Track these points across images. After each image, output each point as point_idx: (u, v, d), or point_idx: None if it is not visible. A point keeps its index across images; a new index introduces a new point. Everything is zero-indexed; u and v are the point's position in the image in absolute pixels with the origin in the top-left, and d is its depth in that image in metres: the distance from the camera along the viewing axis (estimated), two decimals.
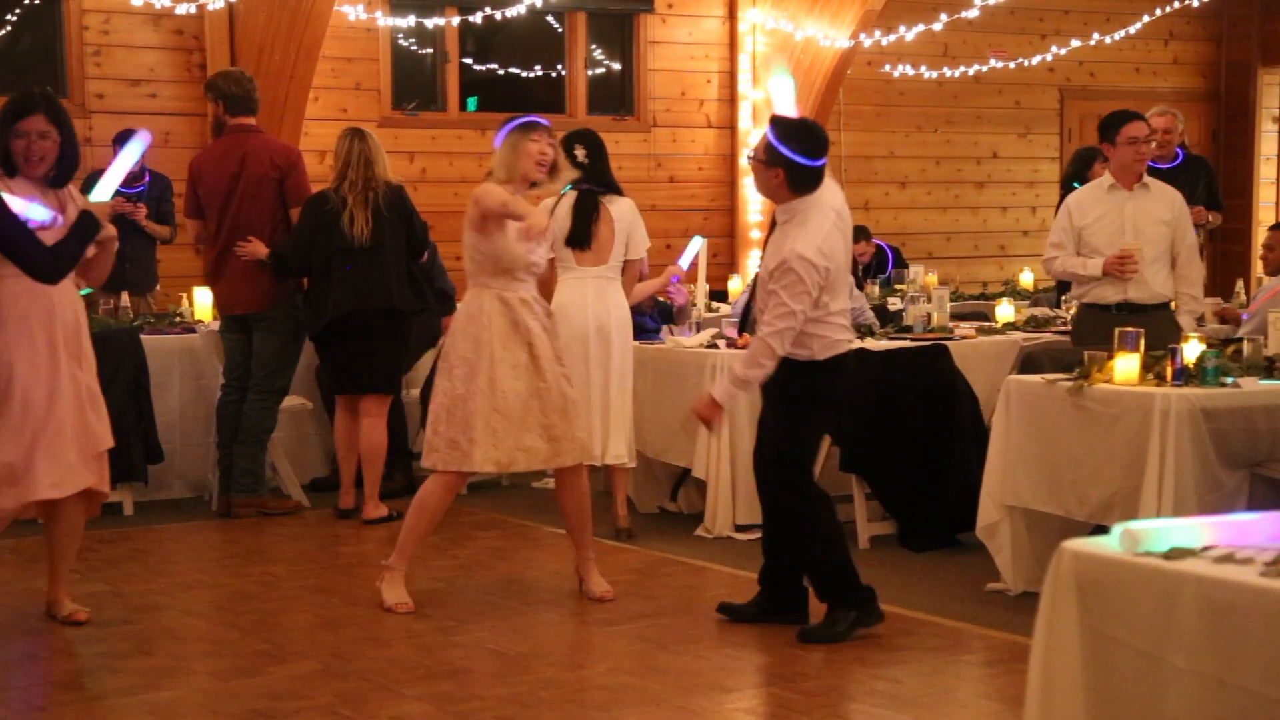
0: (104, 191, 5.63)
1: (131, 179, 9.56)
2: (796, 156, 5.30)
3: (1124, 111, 7.02)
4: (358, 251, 7.52)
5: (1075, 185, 9.52)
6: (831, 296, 5.36)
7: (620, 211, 7.10)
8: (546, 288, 7.06)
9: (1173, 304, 6.96)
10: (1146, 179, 6.91)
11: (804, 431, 5.48)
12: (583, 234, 7.03)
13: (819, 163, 5.34)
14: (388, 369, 7.69)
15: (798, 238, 5.29)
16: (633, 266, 7.26)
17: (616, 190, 7.16)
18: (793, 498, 5.45)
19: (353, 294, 7.55)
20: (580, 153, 6.99)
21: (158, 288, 9.85)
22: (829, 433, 5.73)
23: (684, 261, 8.81)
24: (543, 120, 5.91)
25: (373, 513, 7.62)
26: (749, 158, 5.54)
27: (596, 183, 7.06)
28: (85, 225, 5.48)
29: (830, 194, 5.44)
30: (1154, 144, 7.01)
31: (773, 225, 5.53)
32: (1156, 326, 6.36)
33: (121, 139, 9.46)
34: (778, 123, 5.40)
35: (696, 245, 9.16)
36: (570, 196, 7.03)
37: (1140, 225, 6.81)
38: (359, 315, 7.56)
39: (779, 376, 5.40)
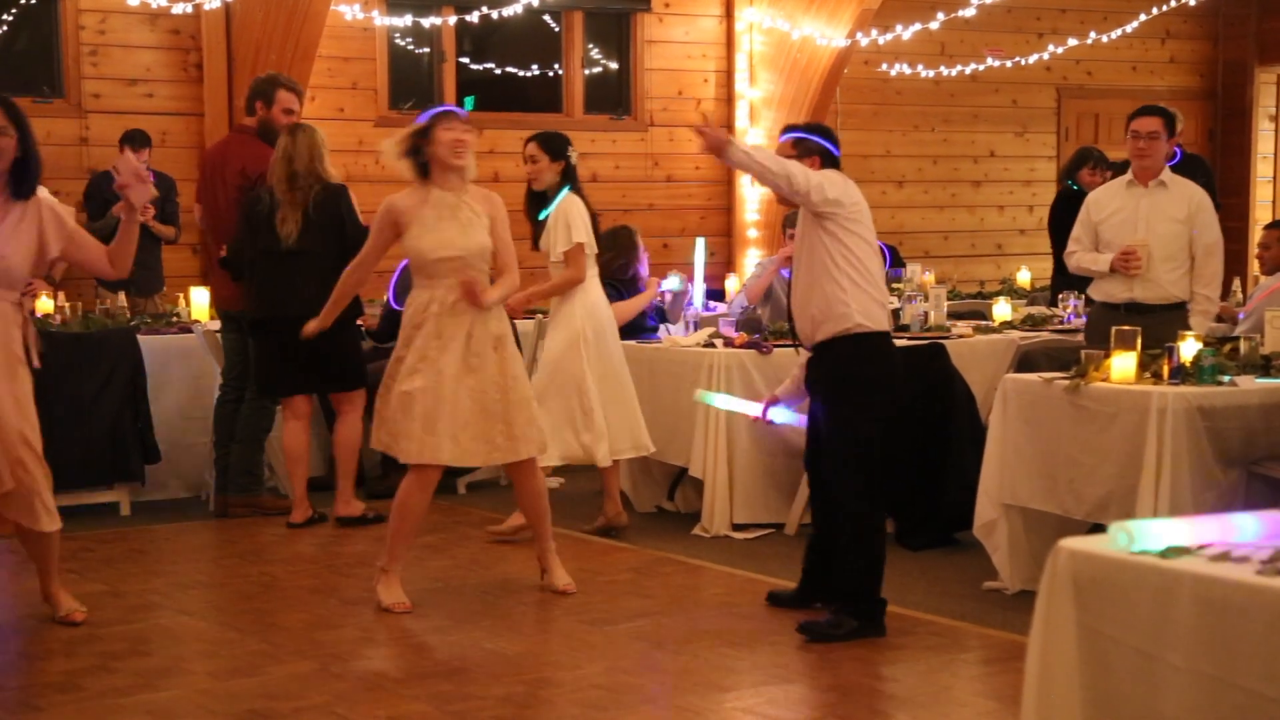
0: None
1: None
2: (826, 143, 5.63)
3: (1147, 106, 7.04)
4: (282, 254, 7.31)
5: (1070, 183, 9.57)
6: (867, 258, 5.45)
7: None
8: (570, 286, 6.99)
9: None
10: (1166, 176, 6.85)
11: (863, 424, 5.48)
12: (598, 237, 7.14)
13: (839, 154, 5.70)
14: (338, 367, 7.44)
15: None
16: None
17: None
18: (867, 507, 5.52)
19: (271, 299, 7.37)
20: (575, 155, 7.03)
21: (164, 289, 9.84)
22: (885, 422, 5.64)
23: (666, 286, 8.77)
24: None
25: (343, 510, 7.47)
26: None
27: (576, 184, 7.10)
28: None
29: None
30: (1159, 140, 6.91)
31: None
32: (1166, 328, 6.26)
33: (127, 140, 9.51)
34: (794, 126, 5.80)
35: (675, 284, 9.00)
36: (579, 201, 6.98)
37: (1153, 222, 6.77)
38: (280, 320, 7.24)
39: (826, 362, 5.49)
